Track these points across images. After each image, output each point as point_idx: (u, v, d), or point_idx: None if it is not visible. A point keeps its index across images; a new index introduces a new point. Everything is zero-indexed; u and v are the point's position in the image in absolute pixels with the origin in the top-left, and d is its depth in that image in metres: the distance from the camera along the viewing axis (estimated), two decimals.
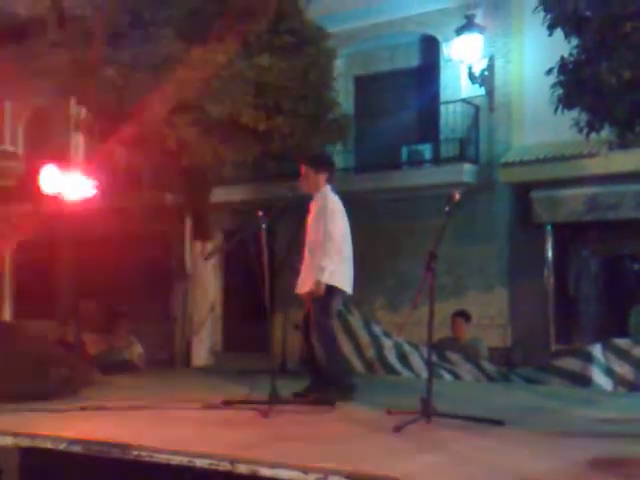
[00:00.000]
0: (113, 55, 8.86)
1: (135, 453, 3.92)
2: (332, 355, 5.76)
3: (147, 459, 3.88)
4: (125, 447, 3.96)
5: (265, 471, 3.52)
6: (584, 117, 7.85)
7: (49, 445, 4.22)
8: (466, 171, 11.56)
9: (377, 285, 11.93)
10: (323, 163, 6.08)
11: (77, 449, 4.13)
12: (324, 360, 5.70)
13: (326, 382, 5.73)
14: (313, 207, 5.90)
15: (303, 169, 5.94)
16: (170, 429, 4.66)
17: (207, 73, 8.70)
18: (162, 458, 3.84)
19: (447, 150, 11.92)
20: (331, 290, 5.70)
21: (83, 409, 5.28)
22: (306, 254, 5.85)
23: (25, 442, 4.33)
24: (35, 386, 5.76)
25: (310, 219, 5.91)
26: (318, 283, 5.62)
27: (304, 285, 5.80)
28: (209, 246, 10.27)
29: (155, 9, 8.86)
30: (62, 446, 4.18)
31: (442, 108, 12.00)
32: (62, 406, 5.39)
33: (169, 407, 5.40)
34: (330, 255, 5.62)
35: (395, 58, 12.92)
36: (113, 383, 7.00)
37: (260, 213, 5.56)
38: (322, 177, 5.90)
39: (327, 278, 5.61)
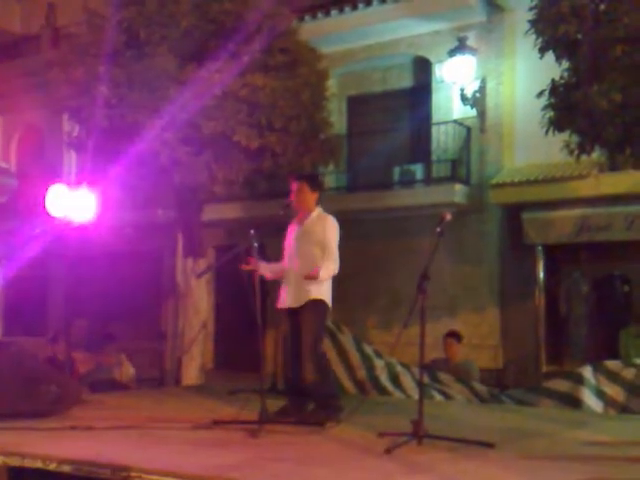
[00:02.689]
0: (108, 73, 8.89)
1: (124, 474, 3.90)
2: (325, 376, 5.75)
3: None
4: (115, 468, 3.94)
5: None
6: (575, 139, 7.89)
7: (39, 465, 4.20)
8: (457, 192, 11.59)
9: (369, 304, 11.90)
10: (318, 184, 6.17)
11: (67, 469, 4.11)
12: (315, 380, 5.68)
13: (316, 403, 5.72)
14: (304, 224, 5.88)
15: (298, 186, 5.94)
16: (160, 449, 4.64)
17: (201, 91, 8.74)
18: (151, 479, 3.82)
19: (439, 170, 11.95)
20: (326, 307, 5.76)
21: (73, 428, 5.25)
22: (292, 268, 5.82)
23: (15, 461, 4.30)
24: (25, 404, 5.73)
25: (299, 233, 5.86)
26: (315, 276, 5.57)
27: (299, 298, 5.74)
28: (201, 263, 10.25)
29: (151, 28, 8.90)
30: (52, 466, 4.15)
31: (434, 129, 12.05)
32: (52, 425, 5.36)
33: (159, 427, 5.38)
34: (331, 267, 5.66)
35: (388, 79, 12.98)
36: (103, 402, 6.96)
37: (252, 231, 5.59)
38: (315, 196, 5.97)
39: (325, 290, 5.69)
